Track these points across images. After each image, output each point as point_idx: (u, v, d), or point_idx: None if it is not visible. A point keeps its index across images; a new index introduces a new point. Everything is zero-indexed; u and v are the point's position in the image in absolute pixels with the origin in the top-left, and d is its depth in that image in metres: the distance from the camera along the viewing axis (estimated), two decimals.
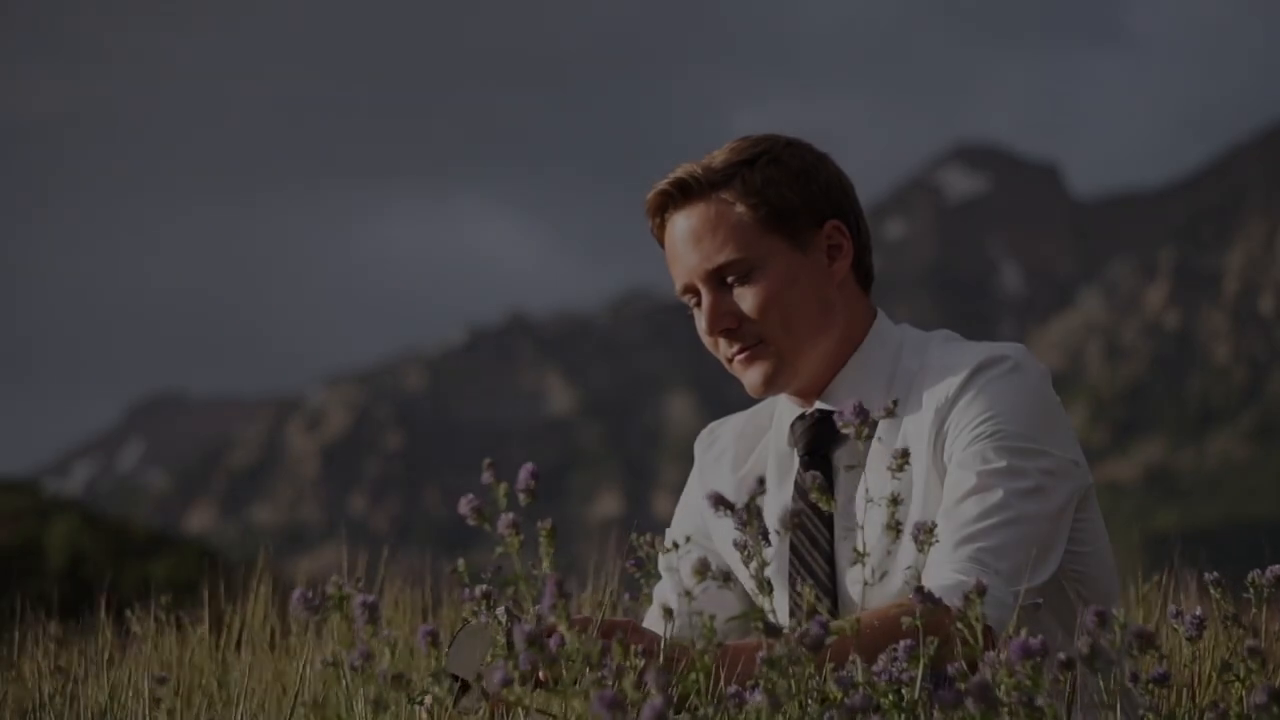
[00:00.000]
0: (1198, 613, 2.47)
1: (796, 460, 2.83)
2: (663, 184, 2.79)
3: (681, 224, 2.78)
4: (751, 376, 2.78)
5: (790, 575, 2.78)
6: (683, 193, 2.78)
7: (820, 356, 2.78)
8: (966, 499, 2.59)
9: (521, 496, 2.30)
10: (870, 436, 2.36)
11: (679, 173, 2.78)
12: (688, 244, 2.77)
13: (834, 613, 2.70)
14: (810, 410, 2.81)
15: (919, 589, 2.29)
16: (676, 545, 2.43)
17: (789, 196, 2.75)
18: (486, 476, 2.31)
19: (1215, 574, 2.72)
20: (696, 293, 2.81)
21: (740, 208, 2.74)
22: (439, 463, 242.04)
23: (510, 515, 2.28)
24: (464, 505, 2.30)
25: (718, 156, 2.78)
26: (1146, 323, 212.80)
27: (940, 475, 2.67)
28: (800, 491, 2.80)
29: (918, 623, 2.27)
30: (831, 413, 2.76)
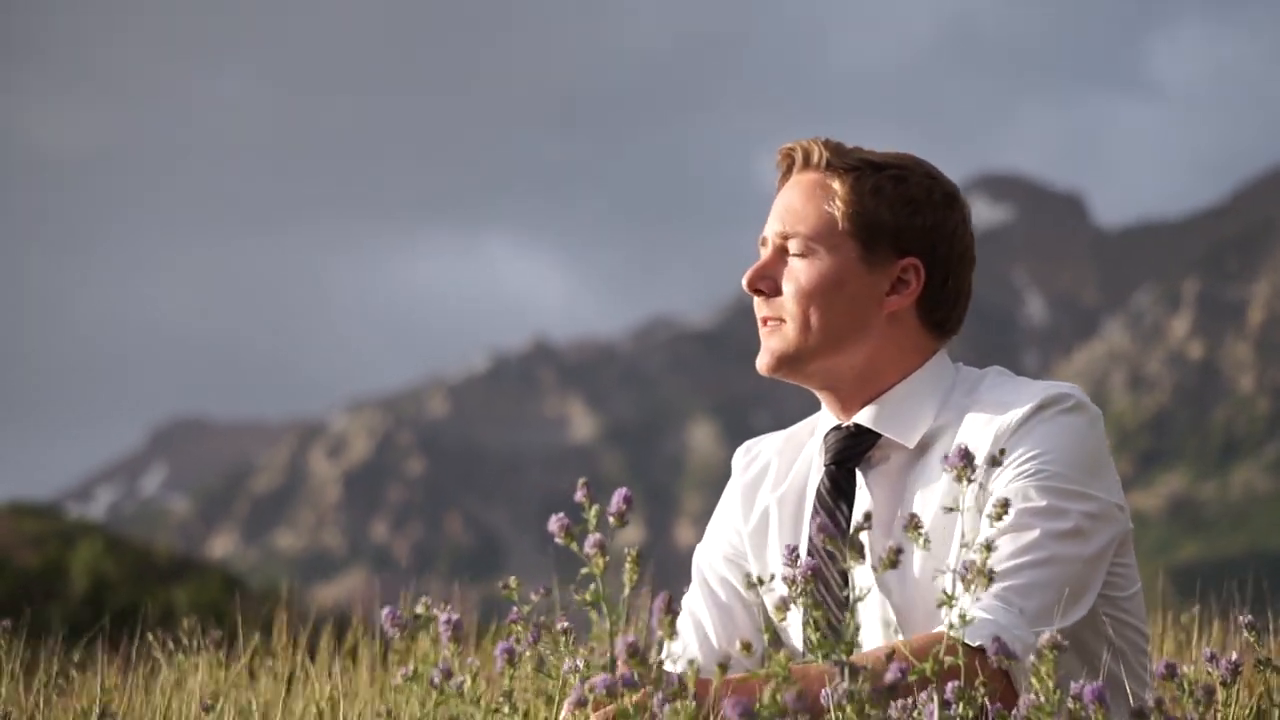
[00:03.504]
0: (1234, 658, 2.45)
1: (821, 471, 2.83)
2: (794, 144, 2.83)
3: (790, 186, 2.81)
4: (763, 352, 2.79)
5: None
6: (805, 160, 2.81)
7: (846, 370, 2.78)
8: (1002, 536, 2.57)
9: (612, 520, 2.30)
10: (973, 481, 2.39)
11: (812, 141, 2.81)
12: (781, 203, 2.80)
13: (850, 636, 2.70)
14: (847, 424, 2.81)
15: (976, 647, 2.38)
16: (760, 580, 2.50)
17: (885, 215, 2.75)
18: (580, 495, 2.29)
19: (1249, 616, 2.75)
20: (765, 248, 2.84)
21: (839, 199, 2.76)
22: (461, 489, 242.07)
23: (598, 535, 2.29)
24: (553, 523, 2.31)
25: (861, 149, 2.81)
26: (1170, 353, 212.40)
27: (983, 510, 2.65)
28: (817, 508, 2.80)
29: (932, 668, 2.32)
30: (865, 430, 2.78)
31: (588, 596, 2.27)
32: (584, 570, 2.28)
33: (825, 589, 2.74)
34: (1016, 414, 2.67)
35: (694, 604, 2.90)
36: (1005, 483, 2.62)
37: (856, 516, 2.72)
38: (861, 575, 2.71)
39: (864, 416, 2.78)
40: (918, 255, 2.76)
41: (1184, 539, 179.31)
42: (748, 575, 2.53)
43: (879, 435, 2.76)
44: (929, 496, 2.70)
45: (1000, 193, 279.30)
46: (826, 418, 2.86)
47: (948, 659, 2.34)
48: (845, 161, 2.77)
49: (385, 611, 2.32)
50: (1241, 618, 2.78)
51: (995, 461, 2.49)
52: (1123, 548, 2.70)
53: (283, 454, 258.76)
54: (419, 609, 2.35)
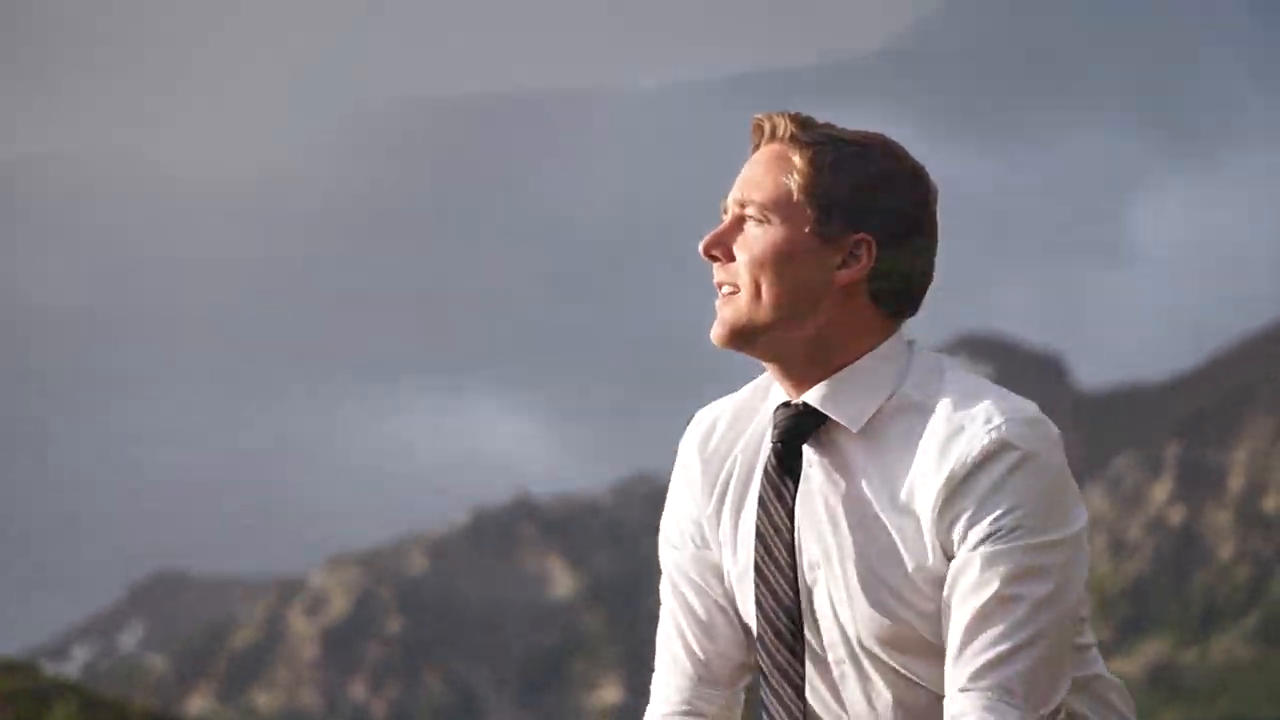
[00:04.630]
0: None
1: (768, 446, 2.81)
2: (764, 116, 2.81)
3: (755, 158, 2.80)
4: (717, 323, 2.78)
5: (756, 596, 2.81)
6: (771, 132, 2.79)
7: (798, 342, 2.76)
8: (990, 612, 2.60)
9: None
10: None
11: (780, 114, 2.80)
12: (744, 173, 2.80)
13: (797, 633, 2.75)
14: (796, 401, 2.78)
15: None
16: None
17: (842, 189, 2.74)
18: None
19: None
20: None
21: (797, 172, 2.75)
22: (440, 646, 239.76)
23: None
24: None
25: (831, 126, 2.80)
26: (1150, 519, 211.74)
27: (943, 547, 2.68)
28: (762, 503, 2.79)
29: None
30: (814, 410, 2.77)
31: None
32: None
33: (771, 573, 2.78)
34: (971, 455, 2.68)
35: (672, 607, 2.94)
36: (979, 538, 2.64)
37: (803, 498, 2.76)
38: (806, 547, 2.75)
39: (813, 396, 2.75)
40: (871, 232, 2.73)
41: (1164, 707, 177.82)
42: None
43: (827, 416, 2.75)
44: (875, 482, 2.72)
45: (979, 353, 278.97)
46: (778, 391, 2.83)
47: None
48: (809, 135, 2.77)
49: None
50: None
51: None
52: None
53: (261, 611, 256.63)
54: None
